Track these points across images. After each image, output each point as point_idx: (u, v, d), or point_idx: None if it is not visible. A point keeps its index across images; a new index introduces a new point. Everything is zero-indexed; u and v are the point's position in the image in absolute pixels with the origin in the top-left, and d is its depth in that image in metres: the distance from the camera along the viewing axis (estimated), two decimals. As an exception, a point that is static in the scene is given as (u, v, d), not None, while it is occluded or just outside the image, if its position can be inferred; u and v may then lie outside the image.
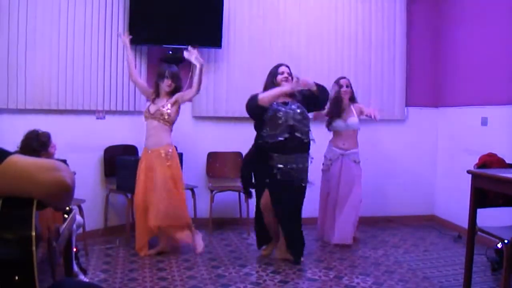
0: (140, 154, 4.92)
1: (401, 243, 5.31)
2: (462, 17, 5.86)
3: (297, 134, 4.35)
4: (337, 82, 5.23)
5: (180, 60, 5.12)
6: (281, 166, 4.33)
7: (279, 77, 4.42)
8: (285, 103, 4.40)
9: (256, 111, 4.35)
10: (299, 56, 5.87)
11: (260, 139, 4.38)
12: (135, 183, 4.65)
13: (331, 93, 5.02)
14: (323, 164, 5.26)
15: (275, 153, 4.32)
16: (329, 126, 5.21)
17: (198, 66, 4.57)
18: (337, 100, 5.14)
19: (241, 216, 5.88)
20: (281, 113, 4.31)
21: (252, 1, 5.97)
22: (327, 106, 5.03)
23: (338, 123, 5.15)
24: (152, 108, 4.68)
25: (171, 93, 4.69)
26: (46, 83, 4.82)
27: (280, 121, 4.29)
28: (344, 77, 5.31)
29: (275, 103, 4.34)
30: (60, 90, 4.92)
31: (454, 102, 6.02)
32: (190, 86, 4.84)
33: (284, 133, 4.29)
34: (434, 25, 6.37)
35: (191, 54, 4.58)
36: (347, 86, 5.22)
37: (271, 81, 4.44)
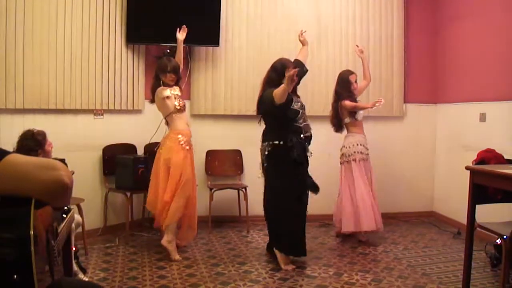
0: (159, 149, 4.78)
1: (400, 240, 5.31)
2: (459, 14, 5.86)
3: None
4: (346, 76, 5.24)
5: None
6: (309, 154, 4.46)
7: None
8: (297, 97, 4.44)
9: (276, 108, 4.17)
10: (297, 54, 5.86)
11: (298, 130, 4.28)
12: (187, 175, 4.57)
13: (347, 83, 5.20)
14: (354, 153, 5.17)
15: (307, 143, 4.38)
16: (356, 115, 5.20)
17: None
18: (352, 91, 5.23)
19: (240, 214, 5.88)
20: (303, 103, 4.42)
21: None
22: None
23: (361, 112, 5.25)
24: (181, 101, 4.71)
25: (173, 85, 4.73)
26: (44, 83, 4.81)
27: (305, 111, 4.39)
28: (353, 73, 5.31)
29: (295, 97, 4.37)
30: (58, 90, 4.91)
31: (452, 99, 6.02)
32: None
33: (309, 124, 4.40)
34: (431, 21, 6.38)
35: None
36: (355, 82, 5.27)
37: (276, 79, 4.28)
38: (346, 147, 5.23)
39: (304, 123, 4.35)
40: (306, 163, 4.41)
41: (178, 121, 4.64)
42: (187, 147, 4.61)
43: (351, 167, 5.14)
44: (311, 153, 4.46)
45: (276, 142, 4.28)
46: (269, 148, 4.30)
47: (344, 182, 5.19)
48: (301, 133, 4.30)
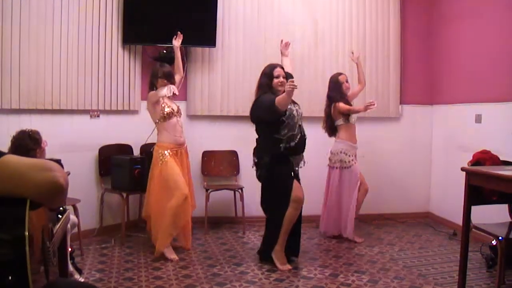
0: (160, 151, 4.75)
1: (396, 241, 5.32)
2: (456, 15, 5.87)
3: (304, 135, 4.40)
4: (336, 78, 5.27)
5: (173, 59, 5.11)
6: (296, 168, 4.41)
7: (275, 81, 4.32)
8: (293, 103, 4.40)
9: (276, 115, 4.19)
10: (294, 55, 5.86)
11: (279, 143, 4.24)
12: (179, 181, 4.57)
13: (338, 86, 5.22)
14: (335, 162, 5.26)
15: (292, 155, 4.33)
16: (349, 118, 5.22)
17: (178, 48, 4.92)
18: (344, 93, 5.27)
19: (237, 215, 5.87)
20: (294, 112, 4.31)
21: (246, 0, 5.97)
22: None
23: (354, 116, 5.26)
24: (174, 106, 4.74)
25: None
26: (40, 83, 4.79)
27: (295, 120, 4.30)
28: (341, 73, 5.35)
29: None
30: (54, 90, 4.89)
31: (448, 100, 6.04)
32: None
33: (298, 134, 4.31)
34: (428, 22, 6.39)
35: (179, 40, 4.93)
36: (346, 81, 5.29)
37: (267, 83, 4.35)
38: (332, 153, 5.32)
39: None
40: (279, 172, 4.35)
41: (164, 131, 4.67)
42: (164, 161, 4.59)
43: (332, 172, 5.32)
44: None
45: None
46: (255, 157, 4.43)
47: (326, 185, 5.40)
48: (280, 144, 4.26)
